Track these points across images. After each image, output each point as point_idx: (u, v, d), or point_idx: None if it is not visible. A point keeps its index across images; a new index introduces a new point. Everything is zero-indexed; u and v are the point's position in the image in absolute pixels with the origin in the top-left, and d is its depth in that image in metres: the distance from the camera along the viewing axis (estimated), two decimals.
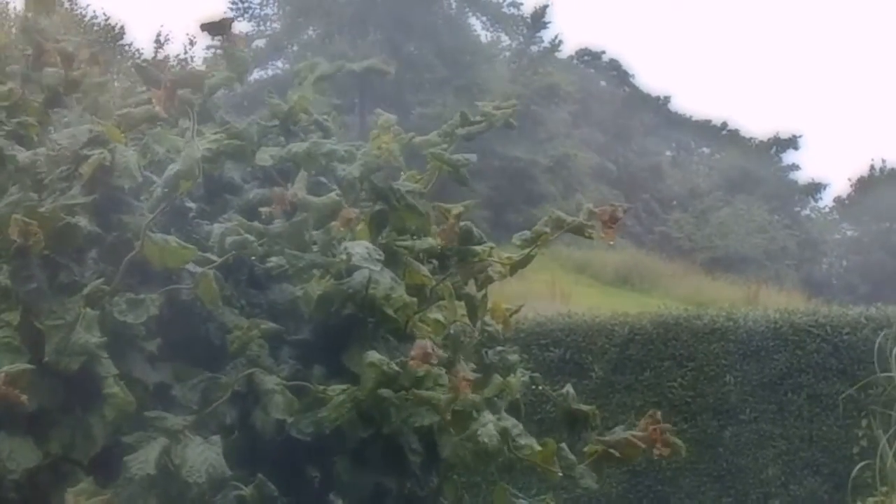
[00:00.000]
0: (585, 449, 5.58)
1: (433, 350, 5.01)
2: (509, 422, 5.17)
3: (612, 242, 5.57)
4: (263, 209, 5.31)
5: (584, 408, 5.87)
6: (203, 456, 4.59)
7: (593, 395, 14.66)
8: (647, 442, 5.45)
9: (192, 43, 44.69)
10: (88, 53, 5.69)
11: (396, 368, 4.99)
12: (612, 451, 5.51)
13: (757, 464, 14.91)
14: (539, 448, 5.14)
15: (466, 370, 5.07)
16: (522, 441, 5.12)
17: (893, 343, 9.53)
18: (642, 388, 15.18)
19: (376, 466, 5.34)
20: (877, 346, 13.31)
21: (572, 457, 5.48)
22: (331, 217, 5.21)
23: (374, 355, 5.02)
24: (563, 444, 5.48)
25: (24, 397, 4.54)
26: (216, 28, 5.37)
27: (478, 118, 5.92)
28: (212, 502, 4.74)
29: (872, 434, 13.40)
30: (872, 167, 76.74)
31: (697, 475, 14.95)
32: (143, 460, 4.56)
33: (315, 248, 5.29)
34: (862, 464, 9.47)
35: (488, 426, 4.91)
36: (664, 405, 14.63)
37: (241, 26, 60.32)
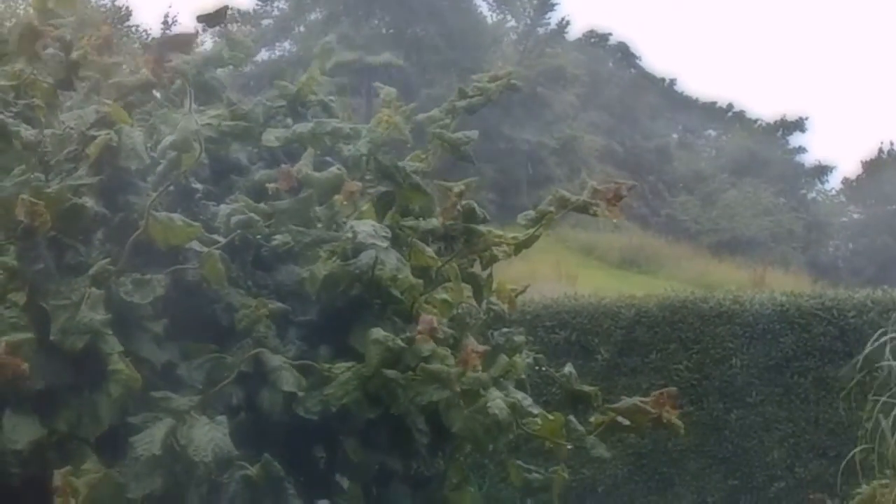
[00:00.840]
0: (592, 419, 5.60)
1: (439, 325, 5.03)
2: (518, 395, 5.19)
3: (616, 220, 5.57)
4: (270, 185, 5.32)
5: (587, 388, 5.88)
6: (209, 435, 4.60)
7: (599, 378, 14.62)
8: (654, 407, 5.46)
9: (201, 27, 44.60)
10: (99, 37, 5.65)
11: (401, 344, 5.00)
12: (620, 419, 5.52)
13: (762, 447, 14.90)
14: (549, 419, 5.16)
15: (475, 344, 5.07)
16: (534, 412, 5.15)
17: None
18: (648, 371, 15.16)
19: (383, 447, 5.35)
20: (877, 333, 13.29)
21: (581, 428, 5.49)
22: (334, 192, 5.21)
23: (378, 332, 5.02)
24: (572, 417, 5.50)
25: (25, 365, 4.56)
26: (212, 19, 5.36)
27: (475, 91, 5.92)
28: (218, 481, 4.75)
29: (877, 417, 13.39)
30: (881, 150, 76.59)
31: (703, 458, 14.94)
32: (149, 440, 4.57)
33: (320, 224, 5.29)
34: (861, 447, 9.44)
35: (497, 400, 4.92)
36: (671, 388, 14.60)
37: (248, 3, 60.21)
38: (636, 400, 5.55)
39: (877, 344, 7.84)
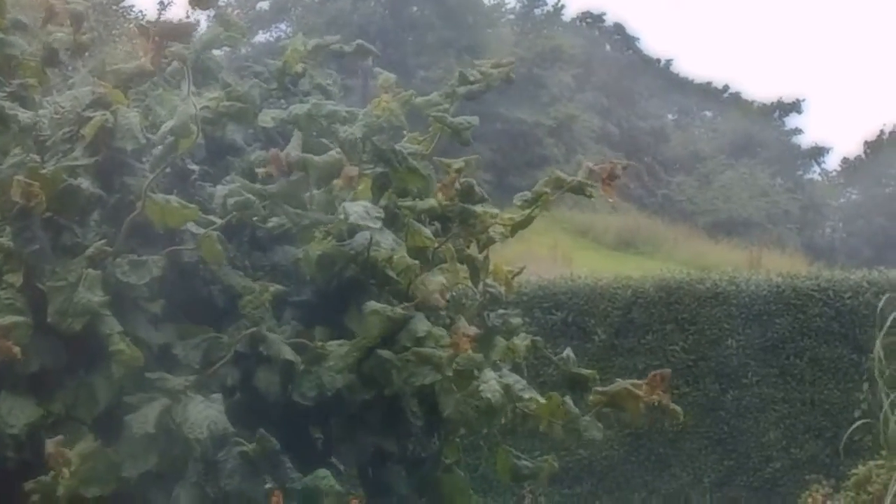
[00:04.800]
0: (590, 400, 5.60)
1: (472, 331, 5.03)
2: (511, 378, 5.18)
3: (611, 200, 5.58)
4: (260, 170, 5.31)
5: (585, 371, 5.88)
6: (204, 413, 4.61)
7: (595, 359, 14.66)
8: (648, 391, 5.47)
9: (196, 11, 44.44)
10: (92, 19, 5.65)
11: (401, 312, 5.00)
12: (614, 399, 5.53)
13: (758, 427, 14.93)
14: (543, 402, 5.17)
15: (466, 327, 5.07)
16: (526, 395, 5.14)
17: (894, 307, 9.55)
18: (644, 352, 15.18)
19: (377, 429, 5.36)
20: (879, 310, 13.30)
21: (576, 409, 5.50)
22: (333, 176, 5.20)
23: (374, 304, 5.03)
24: (567, 398, 5.50)
25: (16, 349, 4.56)
26: (205, 2, 5.35)
27: (476, 77, 5.91)
28: (214, 458, 4.76)
29: (873, 398, 13.41)
30: (882, 132, 76.46)
31: (699, 438, 14.97)
32: (144, 419, 4.58)
33: (313, 207, 5.29)
34: (856, 424, 9.47)
35: (490, 382, 4.92)
36: (666, 368, 14.62)
37: None
38: (628, 383, 5.55)
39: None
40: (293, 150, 5.28)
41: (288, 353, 4.96)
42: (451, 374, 4.96)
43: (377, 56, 6.75)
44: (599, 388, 5.60)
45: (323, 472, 4.96)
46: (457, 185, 5.66)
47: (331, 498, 4.92)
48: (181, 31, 5.09)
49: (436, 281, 5.07)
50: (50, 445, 4.49)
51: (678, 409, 5.57)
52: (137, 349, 4.69)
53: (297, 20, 58.82)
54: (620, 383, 5.57)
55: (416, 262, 5.46)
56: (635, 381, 5.57)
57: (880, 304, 7.68)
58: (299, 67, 6.14)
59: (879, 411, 7.83)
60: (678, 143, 71.10)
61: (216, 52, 6.08)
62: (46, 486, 4.54)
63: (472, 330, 5.07)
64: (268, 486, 5.02)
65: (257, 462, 4.85)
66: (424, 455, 5.67)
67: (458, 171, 5.66)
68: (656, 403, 5.48)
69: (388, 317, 4.99)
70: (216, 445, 4.65)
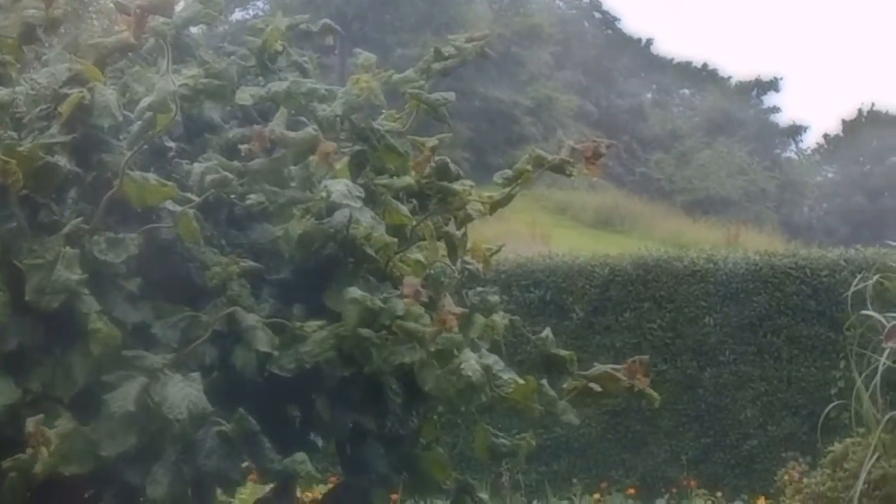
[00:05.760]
0: (565, 385, 5.61)
1: (422, 288, 5.02)
2: (490, 359, 5.19)
3: (595, 178, 5.59)
4: (243, 146, 5.30)
5: (563, 352, 5.89)
6: (183, 392, 4.60)
7: (573, 336, 14.72)
8: (626, 375, 5.49)
9: None
10: None
11: (380, 304, 5.00)
12: (592, 385, 5.54)
13: (735, 405, 15.01)
14: (521, 383, 5.17)
15: (453, 305, 5.07)
16: (504, 376, 5.14)
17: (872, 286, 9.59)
18: (622, 330, 15.24)
19: (356, 406, 5.36)
20: (852, 287, 13.34)
21: (553, 393, 5.50)
22: (309, 152, 5.19)
23: (355, 291, 5.02)
24: (544, 381, 5.50)
25: None
26: None
27: (451, 52, 5.90)
28: (194, 439, 4.75)
29: (850, 375, 13.47)
30: (860, 110, 76.66)
31: (676, 416, 15.04)
32: (123, 398, 4.57)
33: (293, 184, 5.28)
34: (833, 404, 9.53)
35: (471, 361, 4.92)
36: (644, 346, 14.71)
37: None
38: (608, 368, 5.56)
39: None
40: (278, 126, 5.27)
41: (262, 344, 4.95)
42: (432, 350, 4.96)
43: (341, 34, 6.73)
44: (579, 373, 5.62)
45: (301, 456, 4.95)
46: (431, 164, 5.66)
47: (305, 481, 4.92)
48: (162, 5, 5.06)
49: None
50: (30, 424, 4.48)
51: (654, 393, 5.59)
52: (115, 328, 4.68)
53: None
54: (599, 368, 5.58)
55: (395, 239, 5.46)
56: (614, 366, 5.58)
57: (853, 285, 7.70)
58: (279, 46, 6.13)
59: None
60: (656, 122, 71.24)
61: (193, 30, 6.06)
62: (24, 463, 4.53)
63: (458, 309, 5.07)
64: (244, 464, 5.02)
65: (236, 442, 4.85)
66: (403, 433, 5.68)
67: (433, 149, 5.66)
68: (635, 390, 5.50)
69: (366, 306, 4.98)
70: (194, 425, 4.64)
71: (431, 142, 5.68)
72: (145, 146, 5.13)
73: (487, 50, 5.95)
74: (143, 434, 4.61)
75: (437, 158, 5.68)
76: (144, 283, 4.95)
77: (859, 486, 6.58)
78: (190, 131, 5.73)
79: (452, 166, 5.74)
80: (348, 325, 4.98)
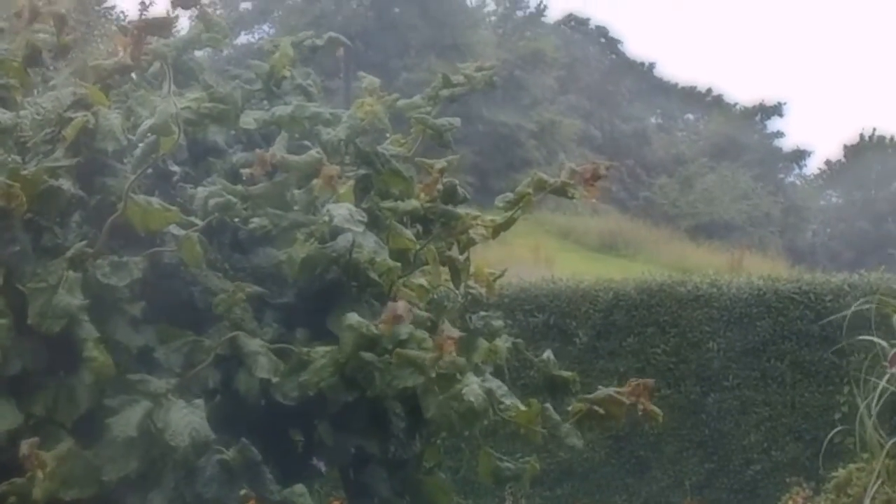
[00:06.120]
0: (570, 408, 5.59)
1: (407, 311, 5.00)
2: (493, 383, 5.18)
3: (594, 200, 5.58)
4: (245, 171, 5.30)
5: (565, 374, 5.88)
6: (186, 419, 4.59)
7: (577, 361, 14.69)
8: (630, 398, 5.47)
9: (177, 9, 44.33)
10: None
11: (375, 331, 4.98)
12: (596, 408, 5.52)
13: (739, 430, 14.97)
14: (524, 409, 5.16)
15: (451, 330, 5.06)
16: (507, 401, 5.13)
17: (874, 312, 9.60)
18: (626, 354, 15.22)
19: (359, 430, 5.35)
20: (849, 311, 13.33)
21: (557, 417, 5.49)
22: (312, 176, 5.20)
23: (352, 317, 5.01)
24: (548, 405, 5.49)
25: None
26: (187, 1, 5.34)
27: (459, 80, 5.92)
28: (195, 466, 4.74)
29: (853, 401, 13.45)
30: (862, 135, 76.66)
31: (680, 441, 15.01)
32: (126, 423, 4.56)
33: (297, 208, 5.28)
34: (837, 429, 9.52)
35: (473, 386, 4.91)
36: (648, 371, 14.69)
37: None
38: (611, 391, 5.55)
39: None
40: (279, 150, 5.28)
41: (264, 371, 4.94)
42: (434, 376, 4.95)
43: (348, 46, 6.74)
44: (583, 396, 5.60)
45: (300, 488, 4.94)
46: (439, 186, 5.66)
47: None
48: (161, 26, 5.07)
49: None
50: (24, 447, 4.47)
51: (657, 410, 5.58)
52: (114, 353, 4.67)
53: (280, 21, 58.84)
54: (604, 391, 5.57)
55: (398, 264, 5.46)
56: (618, 388, 5.56)
57: (851, 309, 7.71)
58: (286, 71, 6.14)
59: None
60: (660, 146, 71.30)
61: (198, 54, 6.07)
62: (22, 487, 4.52)
63: (456, 332, 5.06)
64: (242, 492, 5.00)
65: (236, 471, 4.83)
66: (406, 457, 5.67)
67: (441, 171, 5.67)
68: (640, 412, 5.48)
69: (361, 333, 4.96)
70: (197, 452, 4.63)
71: (440, 164, 5.69)
72: (149, 170, 5.14)
73: (496, 79, 5.98)
74: (144, 459, 4.60)
75: (445, 181, 5.69)
76: (148, 307, 4.95)
77: None
78: (194, 155, 5.73)
79: (460, 189, 5.75)
80: (344, 351, 4.97)
